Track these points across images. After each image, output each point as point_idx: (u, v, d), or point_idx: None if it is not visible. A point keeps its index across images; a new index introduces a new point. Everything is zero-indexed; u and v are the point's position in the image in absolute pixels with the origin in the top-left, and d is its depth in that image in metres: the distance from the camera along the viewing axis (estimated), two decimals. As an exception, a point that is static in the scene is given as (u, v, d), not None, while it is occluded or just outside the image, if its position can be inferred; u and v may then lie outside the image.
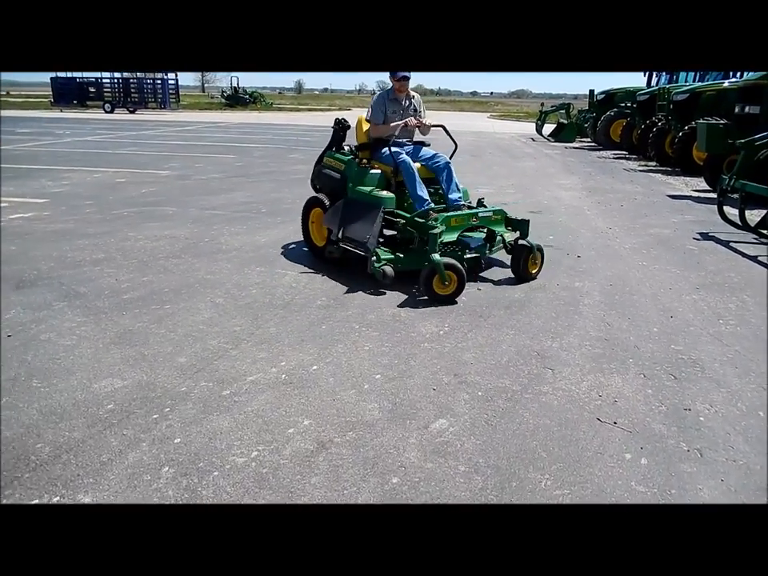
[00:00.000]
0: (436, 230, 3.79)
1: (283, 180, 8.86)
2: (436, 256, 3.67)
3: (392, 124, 4.46)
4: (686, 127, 10.23)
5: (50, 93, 30.85)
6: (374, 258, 3.82)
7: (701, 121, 8.81)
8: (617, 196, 8.31)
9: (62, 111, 28.02)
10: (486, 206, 4.44)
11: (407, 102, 4.60)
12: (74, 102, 29.91)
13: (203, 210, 6.48)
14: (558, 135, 18.94)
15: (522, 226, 4.29)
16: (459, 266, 3.72)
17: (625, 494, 1.95)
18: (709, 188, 8.75)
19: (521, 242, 4.22)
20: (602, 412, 2.47)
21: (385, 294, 3.86)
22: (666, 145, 11.62)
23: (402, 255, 4.01)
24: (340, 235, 4.18)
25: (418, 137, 4.77)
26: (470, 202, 4.53)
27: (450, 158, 4.58)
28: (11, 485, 1.91)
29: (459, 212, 4.16)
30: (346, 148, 4.73)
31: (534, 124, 20.66)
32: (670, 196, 8.48)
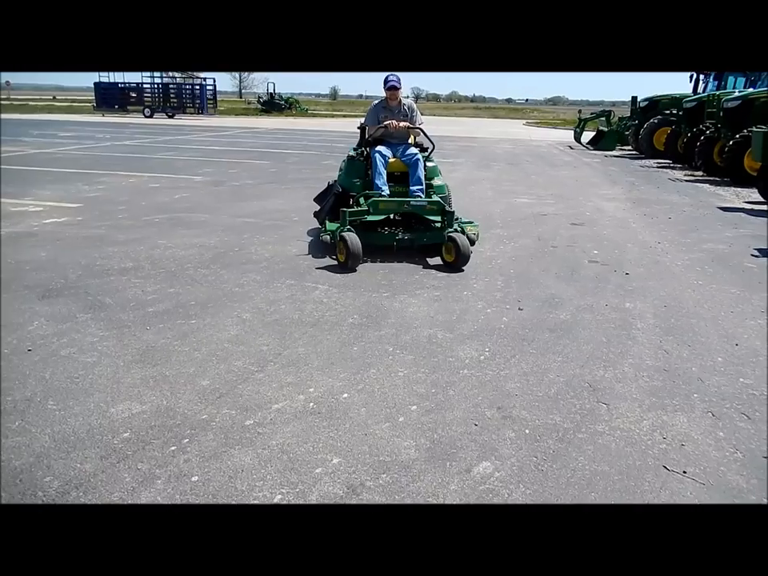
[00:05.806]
0: (347, 209, 4.65)
1: (317, 187, 8.63)
2: (342, 229, 4.52)
3: (376, 126, 5.33)
4: (738, 135, 9.75)
5: (93, 97, 31.65)
6: (323, 228, 4.95)
7: (755, 129, 8.36)
8: (663, 208, 7.91)
9: (103, 115, 28.69)
10: (439, 201, 4.92)
11: (398, 108, 5.40)
12: (116, 106, 30.60)
13: (235, 217, 6.37)
14: (598, 143, 18.42)
15: (447, 216, 4.81)
16: (349, 240, 4.37)
17: (702, 564, 1.68)
18: (763, 200, 8.28)
19: (448, 232, 4.66)
20: (668, 458, 2.19)
21: (421, 312, 3.64)
22: (715, 154, 11.11)
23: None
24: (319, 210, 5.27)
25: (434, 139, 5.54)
26: (433, 194, 5.13)
27: (429, 155, 5.45)
28: (13, 525, 1.75)
29: (387, 198, 4.89)
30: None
31: (573, 131, 20.16)
32: (720, 208, 8.04)
